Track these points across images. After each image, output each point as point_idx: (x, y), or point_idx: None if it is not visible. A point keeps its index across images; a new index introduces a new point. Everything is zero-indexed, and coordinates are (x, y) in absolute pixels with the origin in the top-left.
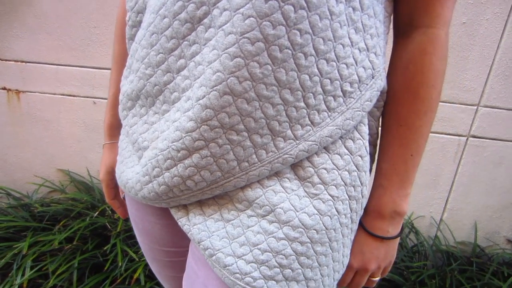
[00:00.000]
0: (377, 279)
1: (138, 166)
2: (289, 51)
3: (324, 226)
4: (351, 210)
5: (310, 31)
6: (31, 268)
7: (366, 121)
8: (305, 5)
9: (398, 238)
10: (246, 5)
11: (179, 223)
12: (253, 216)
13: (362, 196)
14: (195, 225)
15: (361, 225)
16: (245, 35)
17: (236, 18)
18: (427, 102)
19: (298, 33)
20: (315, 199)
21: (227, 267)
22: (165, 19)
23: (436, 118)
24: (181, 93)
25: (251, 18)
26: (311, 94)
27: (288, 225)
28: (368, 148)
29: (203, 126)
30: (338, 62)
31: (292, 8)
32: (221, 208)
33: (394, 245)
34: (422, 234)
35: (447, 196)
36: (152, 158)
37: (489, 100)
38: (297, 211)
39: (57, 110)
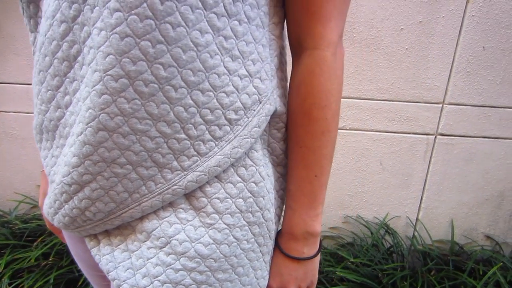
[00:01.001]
0: None
1: (48, 198)
2: (155, 85)
3: (222, 254)
4: (254, 235)
5: (175, 64)
6: (9, 285)
7: (258, 146)
8: (162, 39)
9: (318, 257)
10: (105, 43)
11: (92, 253)
12: (152, 247)
13: (266, 220)
14: (104, 255)
15: (277, 246)
16: (108, 72)
17: (99, 56)
18: (322, 122)
19: (161, 67)
20: (210, 229)
21: None
22: (46, 57)
23: (402, 118)
24: (70, 128)
25: (111, 56)
26: (190, 125)
27: (185, 256)
28: (263, 173)
29: (86, 161)
30: (216, 91)
31: (150, 44)
32: (126, 238)
33: (313, 265)
34: (399, 235)
35: (420, 195)
36: (52, 191)
37: (453, 97)
38: (193, 242)
39: (32, 128)
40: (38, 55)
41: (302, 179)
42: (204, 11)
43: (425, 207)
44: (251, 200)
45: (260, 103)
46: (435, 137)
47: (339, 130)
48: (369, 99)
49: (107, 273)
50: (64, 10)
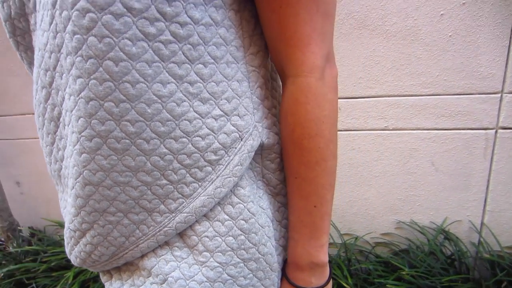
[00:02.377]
0: None
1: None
2: (127, 141)
3: None
4: (251, 271)
5: (141, 118)
6: None
7: (245, 183)
8: (124, 98)
9: (329, 285)
10: (75, 107)
11: (106, 286)
12: (154, 283)
13: (263, 254)
14: None
15: (284, 276)
16: (82, 133)
17: (73, 119)
18: (315, 152)
19: (128, 123)
20: (203, 267)
21: None
22: (40, 117)
23: (453, 112)
24: (67, 180)
25: (82, 119)
26: (170, 171)
27: None
28: (253, 209)
29: (81, 211)
30: (189, 137)
31: (113, 104)
32: (133, 274)
33: None
34: (461, 241)
35: (484, 197)
36: (65, 234)
37: None
38: (187, 280)
39: None
40: (35, 113)
41: (301, 209)
42: (162, 63)
43: (490, 210)
44: (243, 237)
45: (241, 140)
46: (496, 132)
47: (381, 132)
48: (411, 95)
49: None
50: (42, 77)
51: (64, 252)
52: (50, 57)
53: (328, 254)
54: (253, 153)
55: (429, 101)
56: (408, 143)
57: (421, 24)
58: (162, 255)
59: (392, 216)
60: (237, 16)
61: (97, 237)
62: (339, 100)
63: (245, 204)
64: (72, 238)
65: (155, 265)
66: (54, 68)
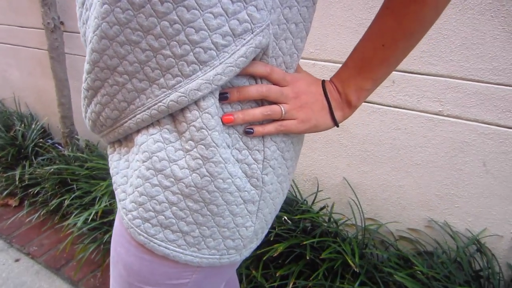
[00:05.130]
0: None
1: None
2: None
3: (193, 183)
4: (231, 175)
5: None
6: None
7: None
8: None
9: (328, 117)
10: None
11: (108, 159)
12: (138, 160)
13: (255, 161)
14: (112, 162)
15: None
16: None
17: None
18: None
19: None
20: (187, 154)
21: (121, 201)
22: None
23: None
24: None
25: None
26: (175, 42)
27: (162, 174)
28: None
29: (95, 68)
30: (202, 10)
31: None
32: (129, 150)
33: (322, 115)
34: (496, 259)
35: None
36: (81, 98)
37: None
38: (170, 162)
39: None
40: None
41: (369, 42)
42: None
43: None
44: (226, 135)
45: (252, 33)
46: None
47: (433, 116)
48: (477, 81)
49: (112, 176)
50: None
51: (105, 164)
52: None
53: (345, 232)
54: (259, 50)
55: (496, 91)
56: (461, 135)
57: None
58: (153, 134)
59: (424, 212)
60: None
61: (105, 96)
62: (394, 72)
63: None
64: (86, 99)
65: (145, 142)
66: None
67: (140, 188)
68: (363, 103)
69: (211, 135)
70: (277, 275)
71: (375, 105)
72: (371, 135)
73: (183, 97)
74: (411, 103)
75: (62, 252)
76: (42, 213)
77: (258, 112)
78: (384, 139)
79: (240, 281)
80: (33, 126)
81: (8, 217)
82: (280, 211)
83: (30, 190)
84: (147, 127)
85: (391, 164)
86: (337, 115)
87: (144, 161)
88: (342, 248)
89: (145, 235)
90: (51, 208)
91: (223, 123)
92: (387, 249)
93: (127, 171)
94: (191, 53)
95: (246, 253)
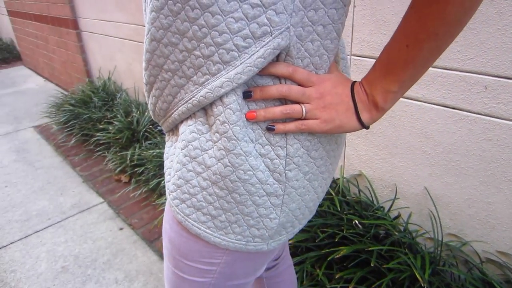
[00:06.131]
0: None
1: None
2: (179, 5)
3: (218, 171)
4: (252, 168)
5: None
6: None
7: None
8: None
9: (354, 119)
10: None
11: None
12: (178, 148)
13: (277, 156)
14: (166, 148)
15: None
16: None
17: None
18: None
19: None
20: (214, 145)
21: (167, 183)
22: None
23: None
24: None
25: None
26: (203, 44)
27: (195, 161)
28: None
29: (149, 65)
30: (224, 16)
31: None
32: (177, 138)
33: (347, 116)
34: None
35: None
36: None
37: None
38: (202, 151)
39: None
40: None
41: (394, 43)
42: None
43: None
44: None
45: (271, 35)
46: None
47: None
48: None
49: (164, 161)
50: None
51: None
52: None
53: (422, 245)
54: (278, 51)
55: None
56: None
57: None
58: (190, 125)
59: None
60: None
61: (158, 90)
62: (486, 77)
63: (235, 105)
64: (146, 92)
65: (184, 132)
66: None
67: (179, 172)
68: (449, 109)
69: (232, 129)
70: (336, 277)
71: (463, 112)
72: (457, 144)
73: (210, 93)
74: (505, 112)
75: (155, 227)
76: (144, 190)
77: (278, 110)
78: (472, 149)
79: (302, 278)
80: (146, 113)
81: (119, 190)
82: (352, 214)
83: (137, 169)
84: (186, 118)
85: (479, 178)
86: (364, 117)
87: (182, 149)
88: (411, 261)
89: (182, 214)
90: (151, 186)
91: (247, 119)
92: (470, 270)
93: (173, 157)
94: (216, 54)
95: (274, 243)
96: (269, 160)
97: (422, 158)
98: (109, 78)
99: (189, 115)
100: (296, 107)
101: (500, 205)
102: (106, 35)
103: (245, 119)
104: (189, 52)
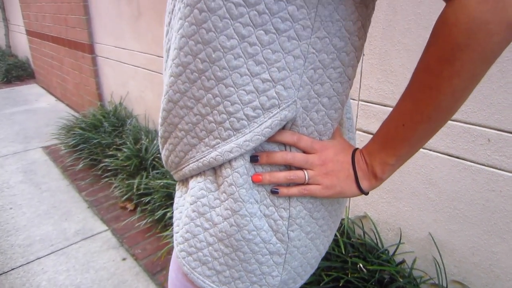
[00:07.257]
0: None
1: None
2: (196, 74)
3: (224, 229)
4: (256, 228)
5: (207, 60)
6: None
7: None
8: (200, 40)
9: (354, 186)
10: (176, 42)
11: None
12: (187, 202)
13: (280, 217)
14: (176, 198)
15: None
16: (174, 61)
17: (172, 53)
18: (434, 78)
19: (199, 60)
20: (222, 204)
21: (175, 234)
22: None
23: None
24: None
25: (175, 50)
26: (216, 111)
27: (203, 217)
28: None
29: (165, 122)
30: (237, 88)
31: (193, 43)
32: (187, 190)
33: (347, 183)
34: None
35: None
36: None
37: None
38: (210, 208)
39: None
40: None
41: (392, 120)
42: (231, 20)
43: None
44: (254, 191)
45: (278, 107)
46: None
47: None
48: None
49: (173, 210)
50: (166, 18)
51: None
52: (170, 3)
53: None
54: (284, 122)
55: None
56: None
57: None
58: (199, 182)
59: None
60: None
61: (171, 145)
62: (489, 130)
63: (243, 170)
64: (160, 144)
65: (193, 187)
66: (171, 12)
67: (187, 226)
68: (453, 158)
69: (238, 192)
70: None
71: (467, 162)
72: (461, 192)
73: (219, 156)
74: (508, 165)
75: (158, 259)
76: (149, 220)
77: (282, 176)
78: (476, 199)
79: None
80: (155, 141)
81: (124, 218)
82: (357, 256)
83: (143, 199)
84: (196, 175)
85: (483, 227)
86: (364, 184)
87: (191, 204)
88: None
89: (188, 266)
90: (156, 217)
91: (253, 181)
92: None
93: (182, 208)
94: (227, 121)
95: None
96: (273, 221)
97: (427, 204)
98: (120, 103)
99: (198, 172)
100: (299, 173)
101: (504, 255)
102: (120, 62)
103: (251, 182)
104: (202, 116)
